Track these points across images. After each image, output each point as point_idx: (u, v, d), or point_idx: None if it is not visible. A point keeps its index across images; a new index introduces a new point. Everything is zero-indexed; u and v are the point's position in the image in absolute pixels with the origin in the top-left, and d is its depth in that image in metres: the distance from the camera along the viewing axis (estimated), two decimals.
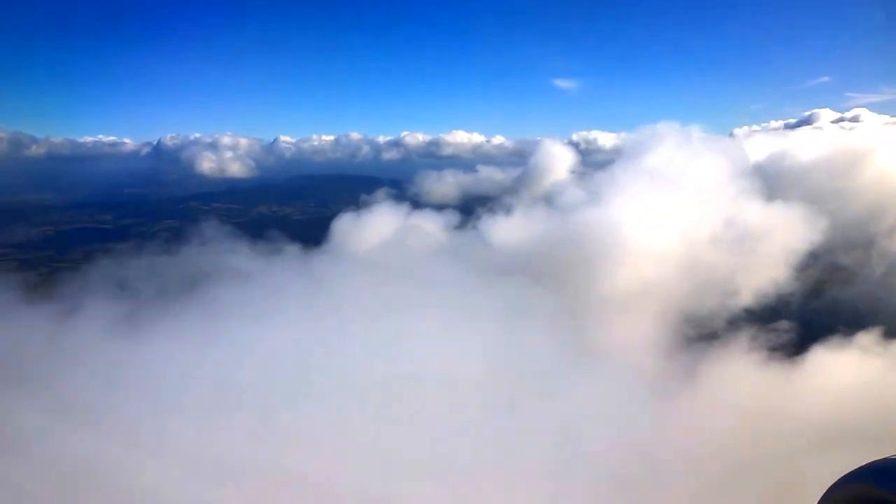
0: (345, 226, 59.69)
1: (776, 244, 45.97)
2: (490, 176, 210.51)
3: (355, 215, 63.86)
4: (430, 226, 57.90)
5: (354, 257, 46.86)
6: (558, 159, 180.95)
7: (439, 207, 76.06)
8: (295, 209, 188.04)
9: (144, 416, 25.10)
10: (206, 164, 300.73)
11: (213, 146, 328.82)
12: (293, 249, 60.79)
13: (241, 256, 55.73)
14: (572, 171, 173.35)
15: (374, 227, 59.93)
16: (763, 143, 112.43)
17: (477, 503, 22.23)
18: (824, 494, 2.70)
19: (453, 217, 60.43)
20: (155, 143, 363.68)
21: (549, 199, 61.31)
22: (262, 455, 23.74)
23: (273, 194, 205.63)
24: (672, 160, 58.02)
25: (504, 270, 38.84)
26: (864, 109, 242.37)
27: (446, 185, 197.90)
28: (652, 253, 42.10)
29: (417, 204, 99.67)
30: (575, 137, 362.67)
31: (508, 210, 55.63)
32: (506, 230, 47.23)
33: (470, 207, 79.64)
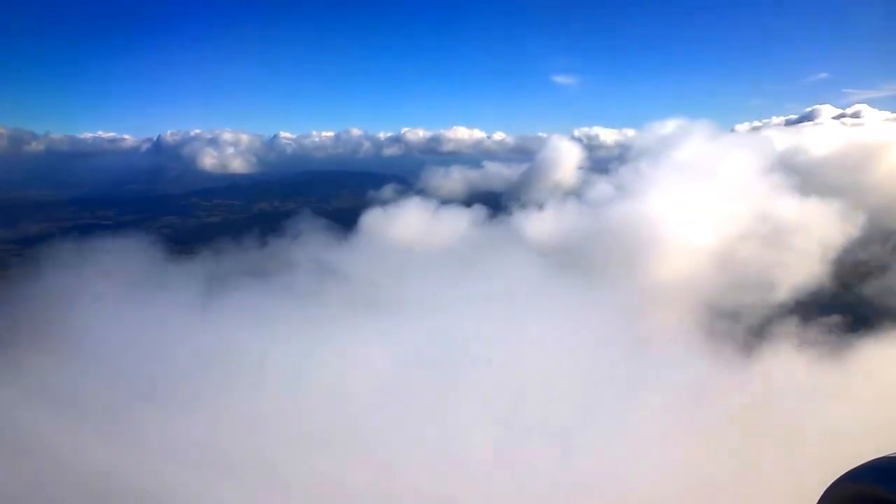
0: (374, 220, 58.72)
1: (809, 238, 45.74)
2: (496, 172, 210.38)
3: (383, 210, 62.82)
4: (461, 221, 57.22)
5: (398, 252, 46.23)
6: (565, 155, 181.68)
7: (456, 203, 75.03)
8: (296, 205, 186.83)
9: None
10: (207, 161, 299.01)
11: (214, 142, 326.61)
12: (321, 243, 60.12)
13: (279, 249, 54.85)
14: (580, 167, 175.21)
15: (405, 222, 59.12)
16: (774, 138, 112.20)
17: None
18: (824, 493, 2.66)
19: (481, 212, 59.67)
20: (154, 139, 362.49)
21: (578, 194, 60.86)
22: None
23: (274, 190, 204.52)
24: (700, 155, 57.92)
25: (548, 265, 38.44)
26: (865, 105, 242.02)
27: (454, 180, 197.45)
28: (689, 248, 41.80)
29: (441, 200, 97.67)
30: (577, 133, 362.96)
31: (540, 205, 55.04)
32: (540, 225, 46.78)
33: (493, 202, 78.34)
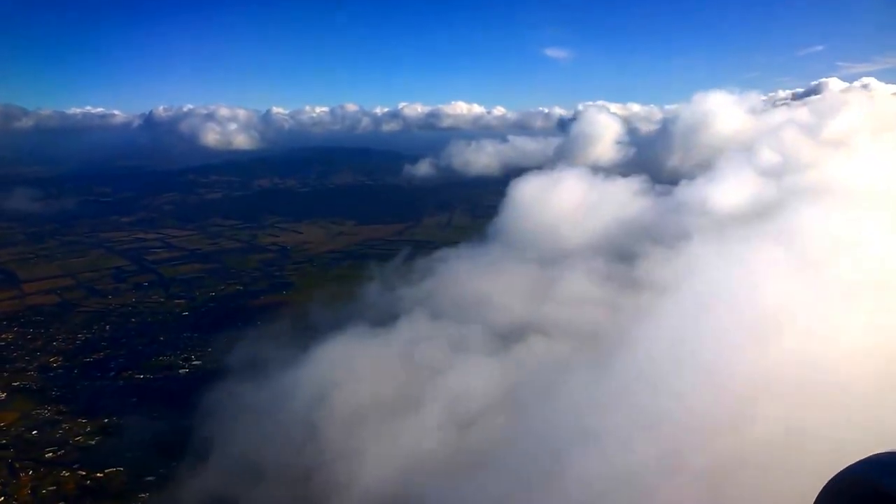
0: (530, 191, 53.89)
1: None
2: (522, 145, 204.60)
3: (535, 180, 57.91)
4: (623, 192, 52.76)
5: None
6: (603, 129, 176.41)
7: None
8: (297, 182, 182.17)
9: None
10: (202, 137, 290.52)
11: (210, 118, 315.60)
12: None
13: None
14: (618, 142, 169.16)
15: (567, 191, 54.25)
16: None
17: None
18: (824, 487, 2.69)
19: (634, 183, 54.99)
20: (146, 115, 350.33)
21: (749, 164, 55.79)
22: None
23: (272, 167, 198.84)
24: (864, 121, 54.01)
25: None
26: (873, 79, 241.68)
27: (487, 155, 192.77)
28: None
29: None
30: (581, 108, 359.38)
31: (709, 175, 50.70)
32: (725, 195, 42.84)
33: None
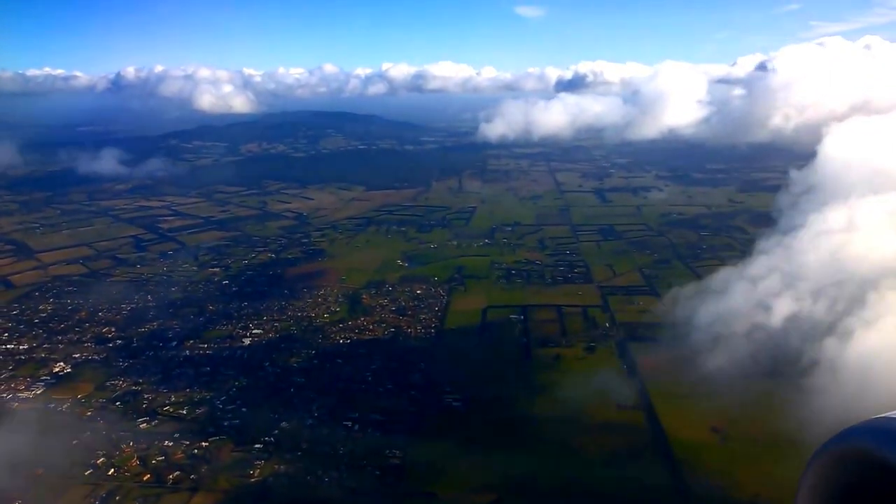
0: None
1: None
2: (577, 103, 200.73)
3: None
4: None
5: None
6: (684, 86, 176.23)
7: None
8: (287, 147, 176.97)
9: None
10: (180, 100, 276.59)
11: (188, 80, 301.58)
12: None
13: None
14: (699, 101, 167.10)
15: None
16: None
17: None
18: (814, 455, 2.43)
19: None
20: (113, 76, 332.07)
21: None
22: None
23: (255, 132, 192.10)
24: None
25: None
26: (877, 37, 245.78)
27: (555, 113, 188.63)
28: None
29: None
30: (581, 69, 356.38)
31: None
32: None
33: None
